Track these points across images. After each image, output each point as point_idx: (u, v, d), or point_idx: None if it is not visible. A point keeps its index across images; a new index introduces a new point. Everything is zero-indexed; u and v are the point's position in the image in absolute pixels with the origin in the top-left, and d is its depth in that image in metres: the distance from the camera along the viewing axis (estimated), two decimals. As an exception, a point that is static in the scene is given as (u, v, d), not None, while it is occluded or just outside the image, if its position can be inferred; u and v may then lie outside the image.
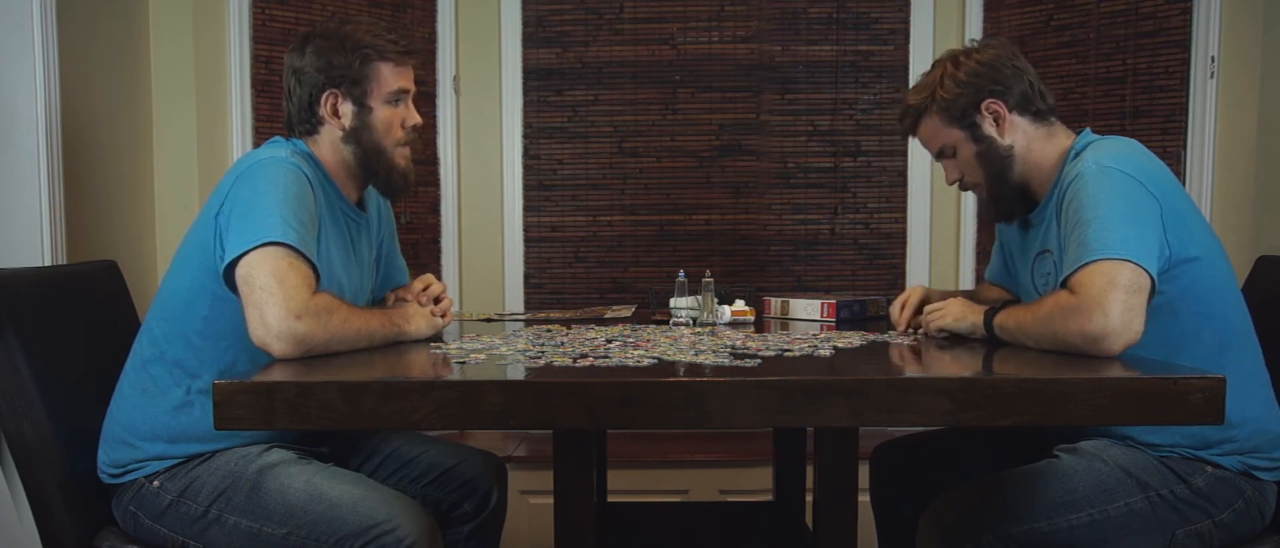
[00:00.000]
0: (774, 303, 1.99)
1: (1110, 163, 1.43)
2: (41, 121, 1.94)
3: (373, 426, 1.66)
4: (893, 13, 2.85)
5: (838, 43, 2.86)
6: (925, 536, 1.56)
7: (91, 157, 2.19)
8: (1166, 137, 2.53)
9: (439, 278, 1.91)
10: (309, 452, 1.56)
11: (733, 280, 2.71)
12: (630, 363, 1.25)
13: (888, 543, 1.89)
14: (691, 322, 1.80)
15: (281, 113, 1.63)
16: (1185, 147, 2.52)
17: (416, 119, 1.62)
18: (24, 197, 1.94)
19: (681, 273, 1.87)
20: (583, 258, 2.93)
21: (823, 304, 1.89)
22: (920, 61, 2.82)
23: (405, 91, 1.60)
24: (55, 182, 1.97)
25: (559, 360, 1.28)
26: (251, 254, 1.36)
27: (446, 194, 2.89)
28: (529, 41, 2.88)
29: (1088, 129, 1.59)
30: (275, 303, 1.33)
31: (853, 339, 1.52)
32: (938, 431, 1.88)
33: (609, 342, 1.49)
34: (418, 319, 1.56)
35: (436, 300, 1.63)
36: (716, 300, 1.81)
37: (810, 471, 1.79)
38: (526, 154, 2.91)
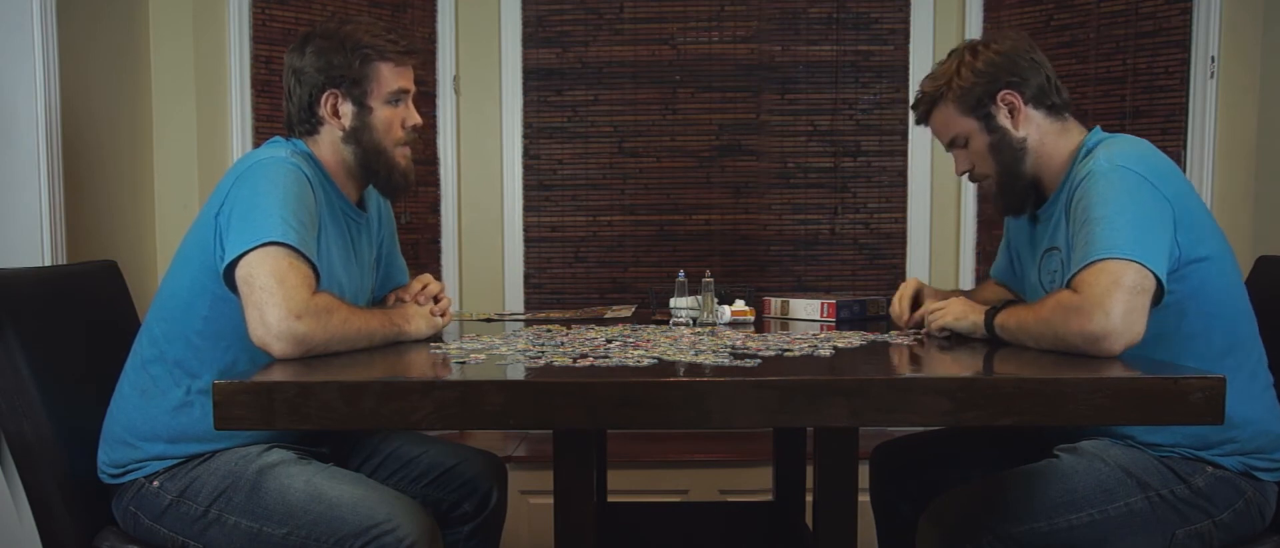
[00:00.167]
0: (774, 303, 1.99)
1: (1123, 162, 1.42)
2: (41, 121, 1.94)
3: (373, 425, 1.66)
4: (893, 13, 2.85)
5: (838, 43, 2.86)
6: (925, 536, 1.55)
7: (91, 157, 2.19)
8: (1166, 136, 2.53)
9: (439, 278, 1.92)
10: (309, 452, 1.56)
11: (733, 280, 2.71)
12: (630, 363, 1.25)
13: (888, 543, 1.89)
14: (691, 322, 1.80)
15: (281, 113, 1.63)
16: (1185, 147, 2.52)
17: (416, 119, 1.62)
18: (24, 197, 1.94)
19: (681, 273, 1.87)
20: (583, 258, 2.93)
21: (823, 304, 1.89)
22: (920, 61, 2.82)
23: (405, 92, 1.60)
24: (55, 182, 1.97)
25: (559, 360, 1.28)
26: (251, 254, 1.36)
27: (446, 194, 2.89)
28: (529, 41, 2.88)
29: (1098, 126, 1.59)
30: (275, 303, 1.33)
31: (853, 339, 1.52)
32: (938, 431, 1.88)
33: (609, 342, 1.49)
34: (418, 319, 1.56)
35: (435, 300, 1.63)
36: (716, 300, 1.81)
37: (810, 471, 1.79)
38: (526, 154, 2.91)
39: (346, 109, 1.57)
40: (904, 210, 2.89)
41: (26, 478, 1.50)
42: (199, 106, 2.53)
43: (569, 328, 1.73)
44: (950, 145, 1.66)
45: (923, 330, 1.60)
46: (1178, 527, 1.44)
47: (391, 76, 1.57)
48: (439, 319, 1.60)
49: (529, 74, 2.89)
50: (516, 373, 1.24)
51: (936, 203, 2.88)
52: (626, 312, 2.11)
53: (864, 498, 1.84)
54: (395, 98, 1.58)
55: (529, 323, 1.90)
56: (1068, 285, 1.36)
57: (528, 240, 2.93)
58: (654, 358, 1.29)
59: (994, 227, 2.76)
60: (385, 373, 1.27)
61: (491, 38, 2.87)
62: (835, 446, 1.34)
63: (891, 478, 1.86)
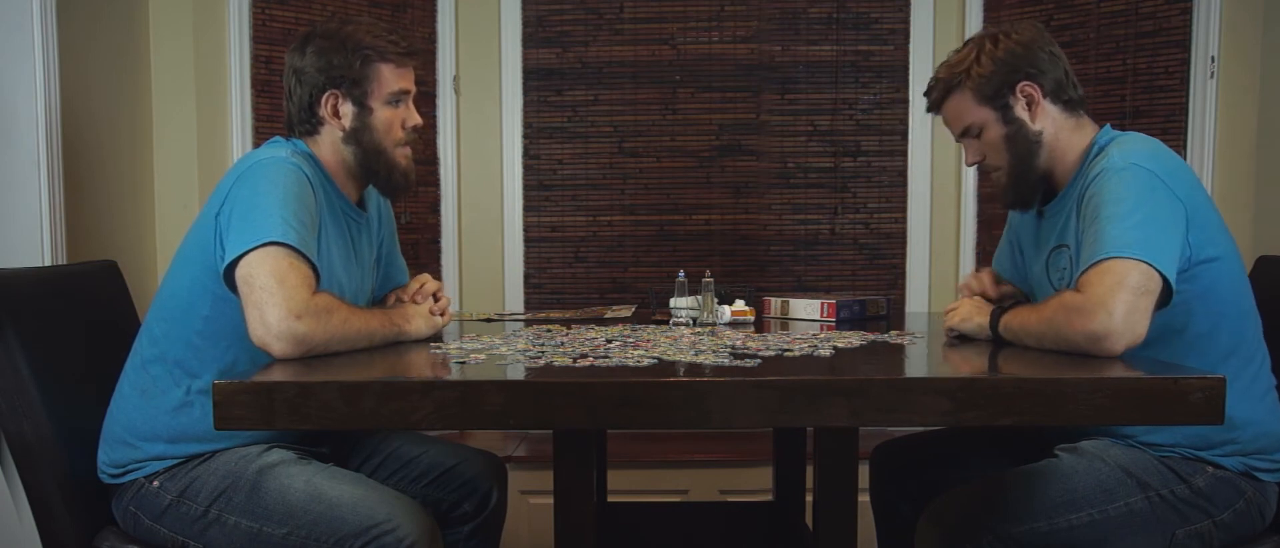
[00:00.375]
0: (774, 303, 1.99)
1: (1137, 159, 1.41)
2: (41, 121, 1.94)
3: (373, 425, 1.66)
4: (893, 13, 2.85)
5: (838, 43, 2.86)
6: (925, 536, 1.55)
7: (91, 157, 2.19)
8: (1166, 137, 2.52)
9: (439, 278, 1.91)
10: (309, 452, 1.56)
11: (733, 280, 2.71)
12: (630, 363, 1.25)
13: (888, 543, 1.89)
14: (691, 322, 1.80)
15: (281, 113, 1.63)
16: (1185, 147, 2.51)
17: (417, 120, 1.62)
18: (24, 197, 1.94)
19: (681, 273, 1.87)
20: (583, 258, 2.93)
21: (823, 304, 1.89)
22: (920, 61, 2.82)
23: (406, 92, 1.60)
24: (55, 182, 1.97)
25: (559, 360, 1.28)
26: (252, 254, 1.36)
27: (446, 194, 2.89)
28: (529, 41, 2.88)
29: (1108, 125, 1.58)
30: (275, 303, 1.33)
31: (853, 339, 1.52)
32: (938, 431, 1.88)
33: (609, 342, 1.49)
34: (418, 319, 1.56)
35: (434, 299, 1.63)
36: (716, 300, 1.81)
37: (810, 471, 1.79)
38: (526, 154, 2.91)
39: (347, 109, 1.57)
40: (904, 210, 2.89)
41: (26, 478, 1.50)
42: (199, 106, 2.53)
43: (569, 328, 1.73)
44: (963, 135, 1.63)
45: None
46: (1178, 527, 1.44)
47: (392, 77, 1.57)
48: (439, 319, 1.60)
49: (529, 74, 2.89)
50: (516, 373, 1.24)
51: (936, 203, 2.88)
52: (626, 312, 2.11)
53: (864, 498, 1.84)
54: (396, 98, 1.58)
55: (529, 323, 1.90)
56: (1073, 284, 1.36)
57: (528, 240, 2.93)
58: (654, 358, 1.29)
59: (994, 226, 2.76)
60: (385, 373, 1.27)
61: (491, 38, 2.87)
62: (835, 446, 1.34)
63: (891, 478, 1.86)
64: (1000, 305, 1.50)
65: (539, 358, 1.31)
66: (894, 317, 2.04)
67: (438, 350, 1.43)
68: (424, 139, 2.77)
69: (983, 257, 2.81)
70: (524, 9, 2.87)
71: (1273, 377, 1.51)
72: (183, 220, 2.15)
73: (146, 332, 1.54)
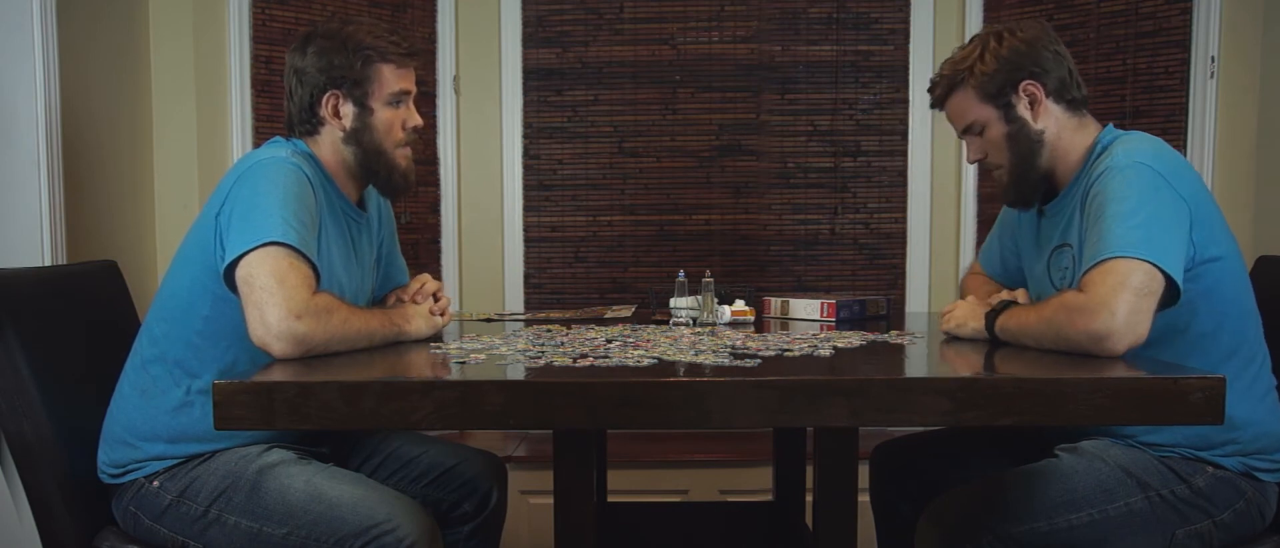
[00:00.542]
0: (774, 303, 1.99)
1: (1141, 158, 1.41)
2: (41, 121, 1.94)
3: (373, 425, 1.66)
4: (893, 13, 2.85)
5: (838, 43, 2.86)
6: (925, 535, 1.55)
7: (91, 157, 2.19)
8: (1166, 137, 2.49)
9: (439, 278, 1.91)
10: (309, 452, 1.56)
11: (733, 280, 2.71)
12: (630, 363, 1.25)
13: (888, 543, 1.89)
14: (691, 322, 1.80)
15: (282, 113, 1.63)
16: (1185, 147, 2.52)
17: (417, 120, 1.62)
18: (24, 197, 1.94)
19: (681, 273, 1.87)
20: (583, 258, 2.93)
21: (823, 304, 1.89)
22: (920, 61, 2.82)
23: (406, 93, 1.60)
24: (55, 182, 1.97)
25: (559, 360, 1.28)
26: (252, 254, 1.36)
27: (446, 194, 2.89)
28: (529, 41, 2.88)
29: (1111, 124, 1.58)
30: (275, 303, 1.33)
31: (853, 339, 1.52)
32: (938, 431, 1.88)
33: (609, 342, 1.49)
34: (418, 319, 1.56)
35: (434, 298, 1.63)
36: (716, 300, 1.81)
37: (810, 471, 1.79)
38: (526, 154, 2.91)
39: (347, 110, 1.57)
40: (904, 210, 2.89)
41: (26, 478, 1.50)
42: (199, 106, 2.53)
43: (569, 328, 1.73)
44: (965, 132, 1.63)
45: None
46: (1178, 527, 1.44)
47: (393, 78, 1.57)
48: (439, 319, 1.60)
49: (529, 74, 2.89)
50: (516, 373, 1.24)
51: (936, 203, 2.88)
52: (626, 312, 2.11)
53: (864, 498, 1.84)
54: (396, 99, 1.58)
55: (529, 323, 1.90)
56: (1076, 283, 1.36)
57: (528, 240, 2.93)
58: (654, 358, 1.29)
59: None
60: (385, 373, 1.27)
61: (491, 38, 2.87)
62: (835, 446, 1.34)
63: (891, 478, 1.86)
64: (995, 307, 1.49)
65: (539, 358, 1.31)
66: (894, 317, 2.04)
67: (438, 350, 1.43)
68: (424, 139, 2.77)
69: (983, 257, 2.81)
70: (524, 9, 2.87)
71: (1273, 377, 1.51)
72: (183, 220, 2.15)
73: (146, 332, 1.54)
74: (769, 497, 2.32)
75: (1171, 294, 1.34)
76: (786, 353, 1.35)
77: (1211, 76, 2.47)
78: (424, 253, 2.86)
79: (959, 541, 1.48)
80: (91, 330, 1.69)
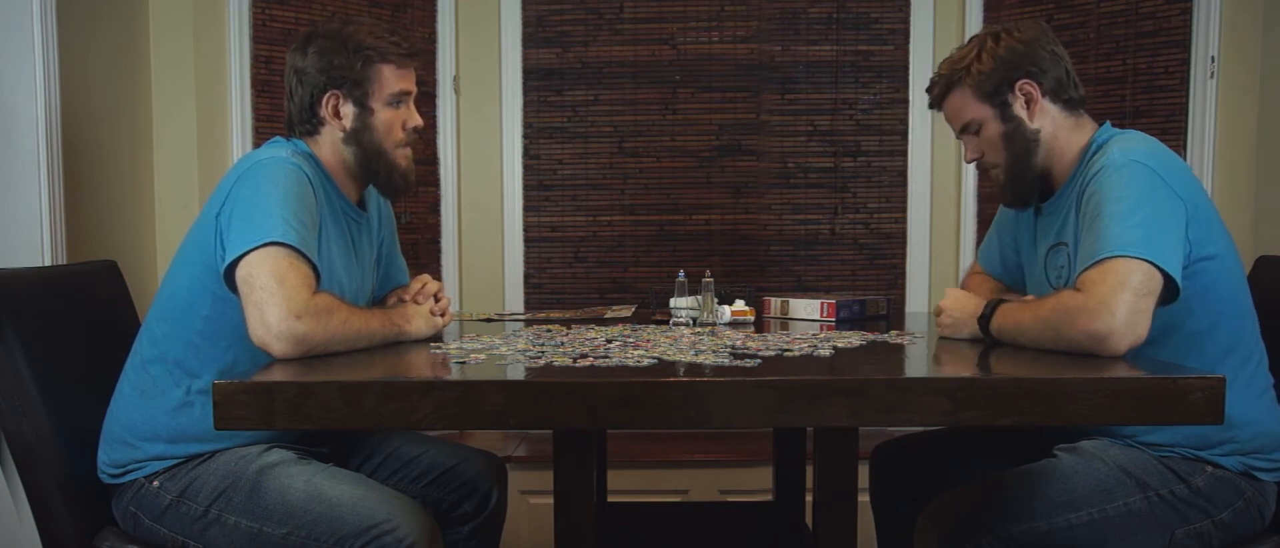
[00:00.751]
0: (774, 303, 1.99)
1: (1137, 157, 1.41)
2: (41, 121, 1.94)
3: (373, 426, 1.66)
4: (893, 13, 2.85)
5: (838, 43, 2.86)
6: (924, 535, 1.55)
7: (91, 157, 2.19)
8: (1166, 137, 2.52)
9: (439, 278, 1.91)
10: (309, 452, 1.56)
11: (733, 280, 2.71)
12: (630, 363, 1.25)
13: (888, 543, 1.89)
14: (691, 322, 1.80)
15: (282, 113, 1.63)
16: (1185, 147, 2.51)
17: (417, 121, 1.62)
18: (24, 197, 1.94)
19: (681, 273, 1.87)
20: (583, 258, 2.93)
21: (823, 304, 1.89)
22: (920, 61, 2.82)
23: (407, 94, 1.60)
24: (55, 182, 1.97)
25: (559, 360, 1.28)
26: (252, 254, 1.36)
27: (446, 194, 2.89)
28: (529, 41, 2.88)
29: (1108, 122, 1.58)
30: (275, 303, 1.33)
31: (853, 339, 1.52)
32: (938, 430, 1.88)
33: (609, 342, 1.49)
34: (418, 319, 1.56)
35: (435, 299, 1.63)
36: (716, 300, 1.81)
37: (810, 471, 1.79)
38: (526, 154, 2.91)
39: (347, 110, 1.57)
40: (904, 210, 2.89)
41: (26, 478, 1.50)
42: (199, 106, 2.53)
43: (569, 328, 1.73)
44: (962, 131, 1.64)
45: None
46: (1177, 527, 1.44)
47: (393, 78, 1.57)
48: (439, 319, 1.60)
49: (529, 74, 2.89)
50: (516, 373, 1.24)
51: (936, 203, 2.88)
52: (626, 312, 2.11)
53: (864, 498, 1.84)
54: (397, 99, 1.58)
55: (529, 323, 1.90)
56: (1073, 282, 1.35)
57: (528, 240, 2.93)
58: (654, 358, 1.29)
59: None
60: (385, 373, 1.28)
61: (491, 38, 2.87)
62: (835, 446, 1.34)
63: (891, 478, 1.86)
64: (985, 311, 1.48)
65: (539, 358, 1.31)
66: (894, 317, 2.04)
67: (438, 350, 1.43)
68: (424, 139, 2.77)
69: (983, 257, 2.81)
70: (524, 9, 2.87)
71: (1270, 376, 1.51)
72: (183, 220, 2.15)
73: (146, 332, 1.54)
74: (769, 497, 2.32)
75: (1170, 293, 1.34)
76: (786, 353, 1.35)
77: (1211, 76, 2.47)
78: (424, 253, 2.86)
79: (959, 540, 1.48)
80: (91, 330, 1.69)
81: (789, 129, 2.89)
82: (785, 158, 2.89)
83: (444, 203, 2.89)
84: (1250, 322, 1.49)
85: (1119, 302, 1.28)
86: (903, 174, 2.89)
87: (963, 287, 1.85)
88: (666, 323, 1.82)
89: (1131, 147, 1.44)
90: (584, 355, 1.32)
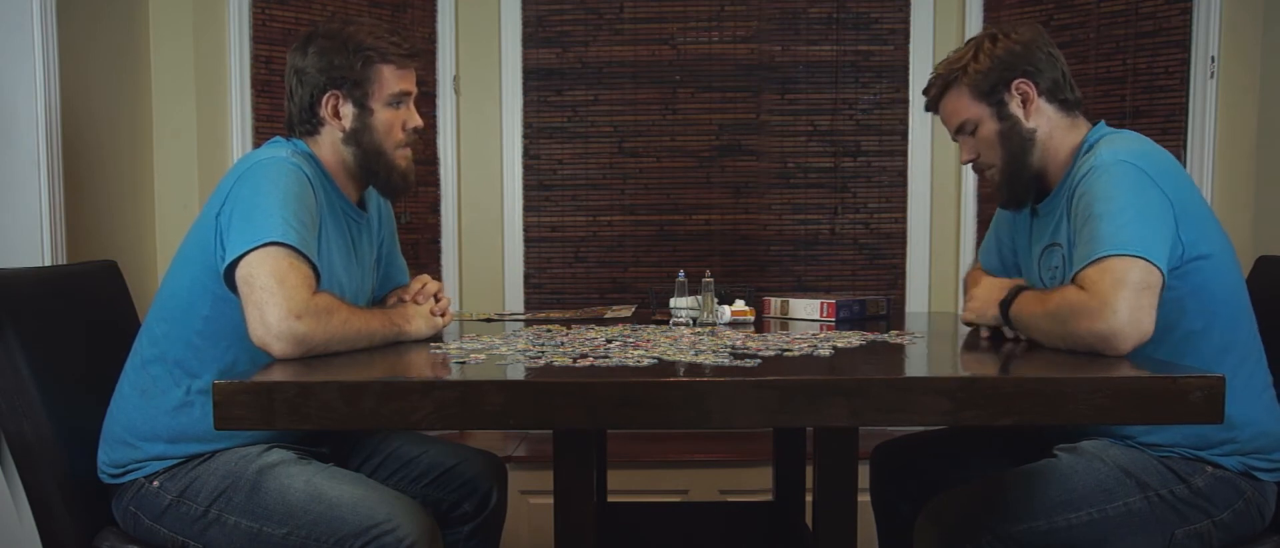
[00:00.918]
0: (774, 303, 1.99)
1: (1125, 157, 1.42)
2: (41, 121, 1.94)
3: (373, 426, 1.66)
4: (893, 13, 2.85)
5: (838, 43, 2.86)
6: (924, 534, 1.55)
7: (91, 157, 2.19)
8: (1166, 137, 2.53)
9: (439, 278, 1.91)
10: (309, 452, 1.56)
11: (733, 280, 2.71)
12: (630, 363, 1.25)
13: (888, 543, 1.89)
14: (691, 322, 1.80)
15: (282, 113, 1.63)
16: (1185, 147, 2.52)
17: (417, 121, 1.62)
18: (24, 197, 1.94)
19: (681, 273, 1.87)
20: (583, 258, 2.93)
21: (822, 304, 1.89)
22: (920, 61, 2.82)
23: (407, 94, 1.60)
24: (55, 182, 1.97)
25: (559, 360, 1.28)
26: (252, 254, 1.36)
27: (446, 194, 2.89)
28: (529, 41, 2.88)
29: (1102, 121, 1.58)
30: (275, 303, 1.33)
31: (853, 339, 1.52)
32: (938, 430, 1.88)
33: (609, 342, 1.49)
34: (418, 319, 1.56)
35: (435, 299, 1.63)
36: (716, 300, 1.81)
37: (810, 471, 1.79)
38: (526, 154, 2.91)
39: (347, 110, 1.57)
40: (904, 210, 2.89)
41: (26, 478, 1.50)
42: (199, 106, 2.53)
43: (569, 328, 1.73)
44: (958, 132, 1.64)
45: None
46: (1177, 527, 1.44)
47: (393, 79, 1.57)
48: (439, 319, 1.60)
49: (529, 74, 2.89)
50: (516, 373, 1.24)
51: (936, 203, 2.88)
52: (626, 312, 2.11)
53: (864, 498, 1.84)
54: (396, 100, 1.58)
55: (529, 323, 1.90)
56: (1073, 281, 1.36)
57: (528, 240, 2.93)
58: (654, 358, 1.29)
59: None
60: (385, 373, 1.27)
61: (491, 38, 2.87)
62: (835, 446, 1.34)
63: (891, 478, 1.86)
64: (1008, 295, 1.48)
65: (539, 358, 1.31)
66: (894, 317, 2.04)
67: (438, 350, 1.43)
68: (424, 139, 2.77)
69: (983, 257, 2.81)
70: (524, 9, 2.87)
71: (1269, 375, 1.51)
72: (183, 220, 2.15)
73: (146, 332, 1.54)
74: (769, 497, 2.32)
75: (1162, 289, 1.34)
76: (786, 353, 1.35)
77: (1211, 76, 2.47)
78: (424, 253, 2.86)
79: (958, 540, 1.48)
80: (91, 330, 1.69)
81: (789, 129, 2.89)
82: (785, 158, 2.90)
83: (444, 203, 2.89)
84: (1248, 321, 1.49)
85: (1120, 300, 1.28)
86: (903, 174, 2.89)
87: (966, 282, 1.85)
88: (666, 323, 1.82)
89: (1120, 146, 1.45)
90: (584, 355, 1.32)
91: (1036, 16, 2.69)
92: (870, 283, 2.91)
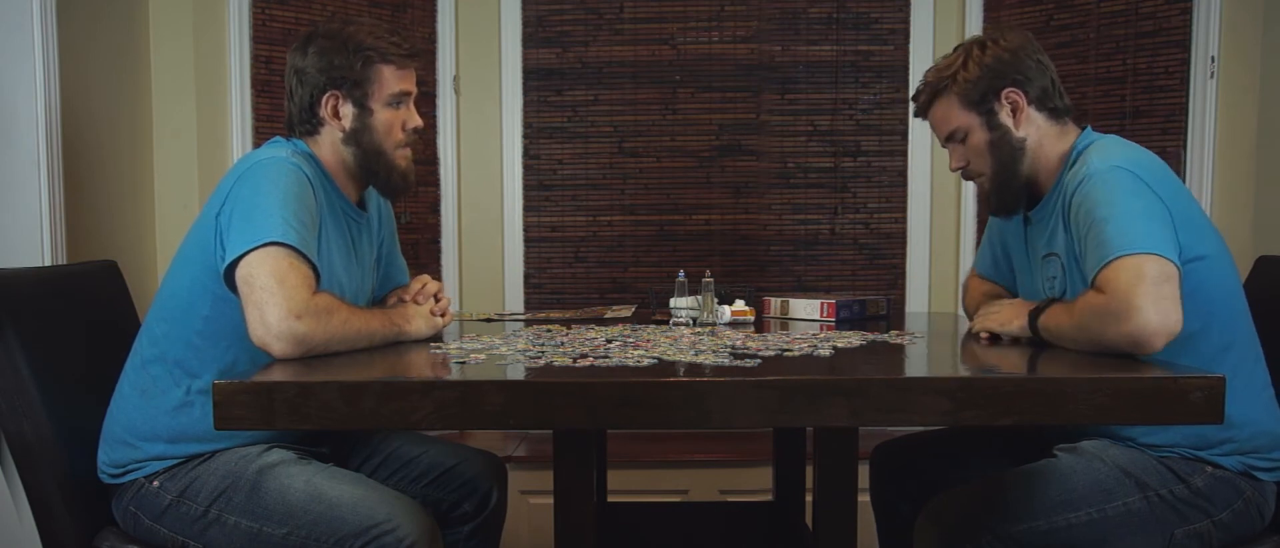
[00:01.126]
0: (774, 303, 1.99)
1: (1117, 162, 1.42)
2: (41, 121, 1.94)
3: (373, 426, 1.66)
4: (893, 13, 2.85)
5: (838, 43, 2.86)
6: (924, 534, 1.55)
7: (91, 157, 2.19)
8: (1166, 136, 2.53)
9: (439, 278, 1.91)
10: (309, 452, 1.56)
11: (733, 280, 2.71)
12: (630, 363, 1.25)
13: (888, 543, 1.89)
14: (691, 322, 1.80)
15: (282, 113, 1.63)
16: (1185, 147, 2.52)
17: (417, 121, 1.62)
18: (24, 197, 1.94)
19: (681, 273, 1.87)
20: (583, 258, 2.93)
21: (822, 304, 1.89)
22: (920, 61, 2.82)
23: (407, 94, 1.60)
24: (55, 182, 1.97)
25: (559, 360, 1.28)
26: (252, 254, 1.36)
27: (446, 194, 2.89)
28: (529, 41, 2.88)
29: (1089, 127, 1.59)
30: (275, 303, 1.33)
31: (853, 339, 1.52)
32: (938, 430, 1.88)
33: (609, 342, 1.49)
34: (418, 319, 1.56)
35: (435, 299, 1.63)
36: (716, 300, 1.81)
37: (810, 471, 1.79)
38: (526, 154, 2.91)
39: (347, 110, 1.57)
40: (904, 210, 2.89)
41: (26, 478, 1.50)
42: (199, 106, 2.53)
43: (569, 328, 1.73)
44: (948, 140, 1.65)
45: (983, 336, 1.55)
46: (1177, 527, 1.44)
47: (393, 79, 1.57)
48: (439, 319, 1.60)
49: (529, 74, 2.89)
50: (516, 373, 1.25)
51: (936, 203, 2.88)
52: (626, 312, 2.11)
53: (864, 498, 1.84)
54: (396, 100, 1.58)
55: (529, 323, 1.90)
56: (1093, 286, 1.35)
57: (528, 240, 2.93)
58: (654, 358, 1.29)
59: (994, 227, 2.75)
60: (385, 373, 1.28)
61: (491, 38, 2.87)
62: (835, 446, 1.34)
63: (891, 478, 1.86)
64: (1039, 306, 1.48)
65: (539, 358, 1.31)
66: (894, 317, 2.04)
67: (438, 350, 1.43)
68: (424, 139, 2.77)
69: (983, 257, 2.81)
70: (524, 9, 2.87)
71: (1268, 375, 1.51)
72: (183, 220, 2.15)
73: (146, 332, 1.54)
74: (769, 497, 2.32)
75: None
76: (786, 353, 1.35)
77: (1211, 76, 2.47)
78: (424, 253, 2.86)
79: (958, 540, 1.48)
80: (91, 330, 1.69)
81: (789, 129, 2.89)
82: (785, 158, 2.90)
83: (444, 203, 2.89)
84: (1245, 321, 1.49)
85: (1143, 297, 1.27)
86: (903, 174, 2.89)
87: (965, 288, 1.86)
88: (666, 323, 1.82)
89: (1110, 153, 1.45)
90: (584, 355, 1.32)
91: (1036, 16, 2.69)
92: (870, 283, 2.91)
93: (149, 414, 1.50)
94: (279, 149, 1.52)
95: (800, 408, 1.12)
